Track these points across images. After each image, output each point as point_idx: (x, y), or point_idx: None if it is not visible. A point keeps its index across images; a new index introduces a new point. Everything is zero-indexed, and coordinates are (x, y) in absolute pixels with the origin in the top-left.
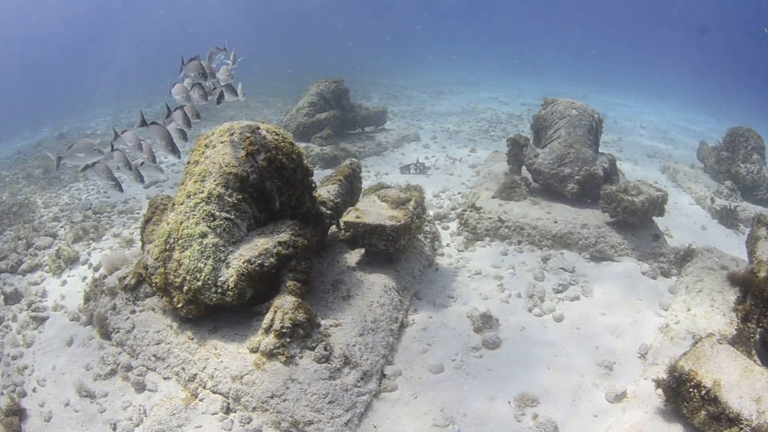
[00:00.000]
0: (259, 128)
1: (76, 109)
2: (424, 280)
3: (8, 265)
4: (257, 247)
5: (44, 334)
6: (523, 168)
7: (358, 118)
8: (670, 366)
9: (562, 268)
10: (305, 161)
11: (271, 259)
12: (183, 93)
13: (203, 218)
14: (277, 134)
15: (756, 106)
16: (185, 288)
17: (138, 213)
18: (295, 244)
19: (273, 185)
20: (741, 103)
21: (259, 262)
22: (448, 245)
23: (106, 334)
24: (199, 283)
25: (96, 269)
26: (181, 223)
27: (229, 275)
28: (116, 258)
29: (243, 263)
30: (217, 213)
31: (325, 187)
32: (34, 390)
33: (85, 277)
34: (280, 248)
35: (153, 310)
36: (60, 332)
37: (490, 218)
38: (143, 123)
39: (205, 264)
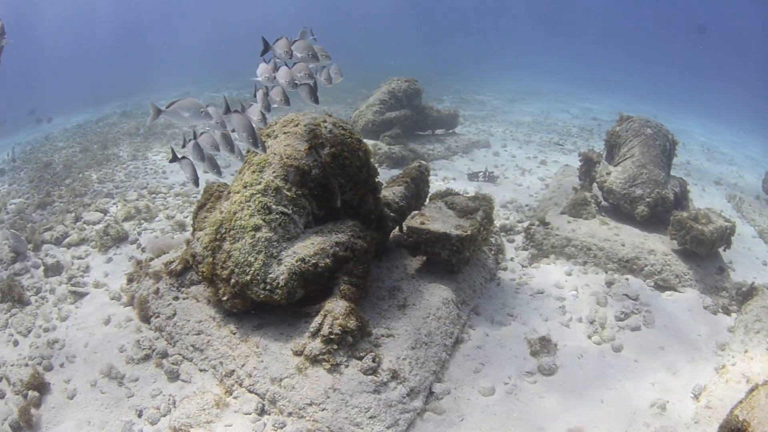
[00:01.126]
0: (325, 121)
1: (143, 90)
2: (485, 294)
3: (53, 236)
4: (313, 246)
5: (81, 310)
6: (594, 185)
7: (429, 120)
8: (726, 418)
9: (626, 295)
10: (371, 160)
11: (327, 260)
12: (267, 74)
13: (258, 210)
14: (343, 129)
15: None
16: (232, 281)
17: (195, 197)
18: (353, 246)
19: (336, 182)
20: None
21: (314, 261)
22: (512, 259)
23: (145, 318)
24: (248, 278)
25: (144, 250)
26: (235, 213)
27: (280, 273)
28: (162, 243)
29: (296, 261)
30: (274, 206)
31: (390, 188)
32: (61, 365)
33: (131, 257)
34: (337, 249)
35: (197, 299)
36: (98, 310)
37: (557, 235)
38: (227, 110)
39: (256, 258)
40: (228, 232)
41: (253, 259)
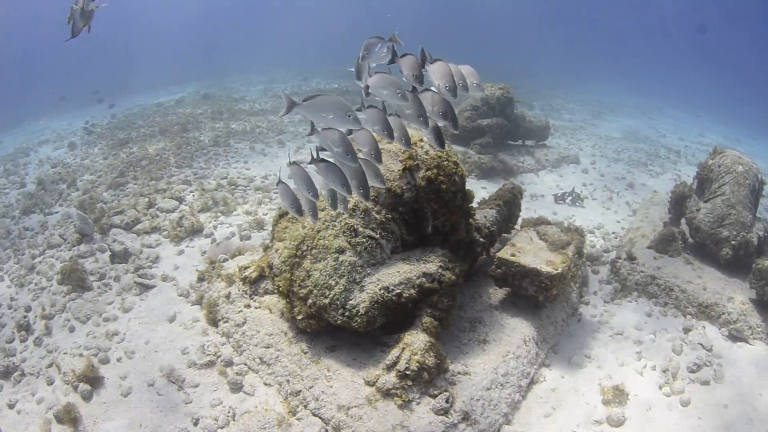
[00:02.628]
0: (422, 140)
1: (227, 71)
2: (565, 331)
3: (123, 221)
4: (399, 275)
5: (146, 302)
6: (683, 219)
7: (520, 130)
8: None
9: (701, 344)
10: (466, 182)
11: (412, 291)
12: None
13: (344, 232)
14: (441, 150)
15: None
16: (310, 301)
17: (276, 192)
18: (441, 278)
19: (429, 207)
20: None
21: (398, 291)
22: (595, 293)
23: (213, 321)
24: (326, 301)
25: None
26: (319, 231)
27: (361, 300)
28: (225, 249)
29: (379, 290)
30: (361, 229)
31: (482, 211)
32: (119, 359)
33: (204, 252)
34: (424, 280)
35: (270, 310)
36: (163, 305)
37: (642, 272)
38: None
39: (337, 282)
40: (310, 250)
41: (333, 283)
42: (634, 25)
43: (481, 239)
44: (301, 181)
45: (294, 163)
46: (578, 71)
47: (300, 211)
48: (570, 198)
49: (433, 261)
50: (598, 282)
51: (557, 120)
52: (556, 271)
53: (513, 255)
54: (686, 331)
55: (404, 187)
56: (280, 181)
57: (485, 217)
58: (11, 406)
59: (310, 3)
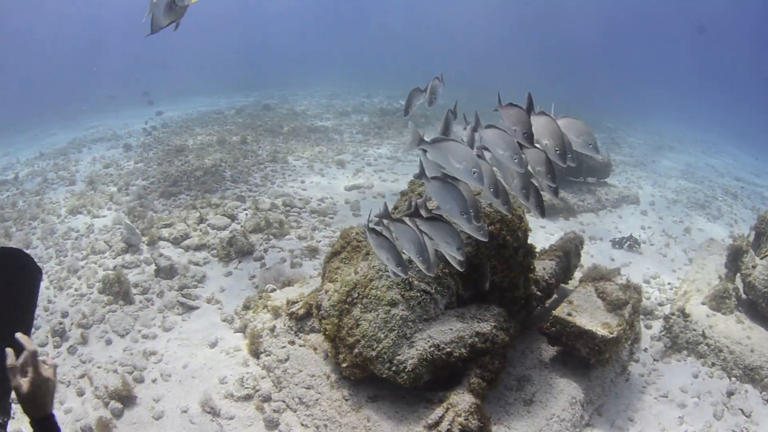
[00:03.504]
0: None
1: (292, 84)
2: (612, 391)
3: (171, 234)
4: (451, 333)
5: (188, 324)
6: (738, 275)
7: (583, 166)
8: None
9: (741, 410)
10: (529, 237)
11: (463, 350)
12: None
13: (397, 284)
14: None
15: None
16: (356, 351)
17: (332, 217)
18: (494, 339)
19: (488, 263)
20: None
21: (448, 350)
22: (645, 350)
23: (255, 353)
24: (373, 353)
25: (255, 285)
26: (371, 280)
27: (409, 356)
28: (275, 275)
29: (429, 347)
30: (416, 282)
31: (541, 262)
32: (154, 381)
33: (253, 276)
34: (476, 340)
35: (315, 349)
36: (206, 329)
37: (694, 330)
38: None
39: (386, 336)
40: (360, 298)
41: (383, 336)
42: (694, 63)
43: (539, 293)
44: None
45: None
46: (640, 103)
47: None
48: (627, 244)
49: (487, 320)
50: (650, 338)
51: (618, 154)
52: (611, 335)
53: (569, 314)
54: (729, 395)
55: (465, 241)
56: (371, 230)
57: (544, 269)
58: None
59: (380, 22)
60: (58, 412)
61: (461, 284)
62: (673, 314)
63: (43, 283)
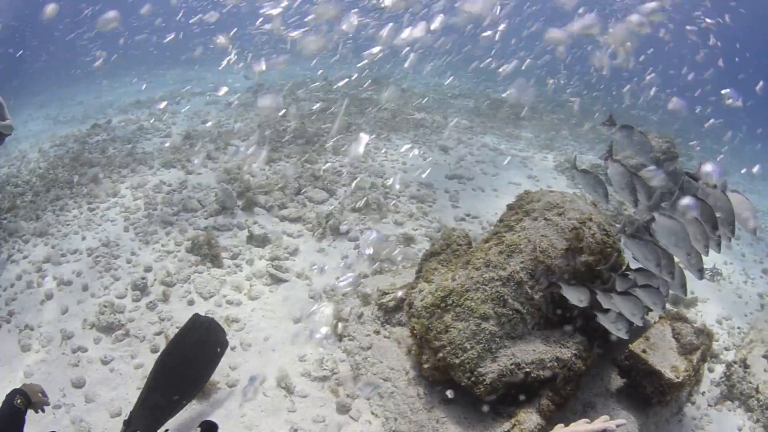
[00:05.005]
0: (591, 220)
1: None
2: (664, 430)
3: (267, 202)
4: (533, 354)
5: (274, 296)
6: None
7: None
8: None
9: None
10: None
11: (540, 372)
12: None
13: (493, 299)
14: (608, 235)
15: None
16: (440, 355)
17: (430, 205)
18: (572, 366)
19: None
20: None
21: (527, 370)
22: (703, 393)
23: (338, 335)
24: (457, 361)
25: (360, 252)
26: (468, 290)
27: (490, 371)
28: (378, 243)
29: (510, 365)
30: (510, 300)
31: None
32: (232, 348)
33: (345, 256)
34: (555, 364)
35: (398, 342)
36: (292, 304)
37: (750, 383)
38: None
39: (473, 347)
40: (454, 306)
41: (469, 347)
42: None
43: None
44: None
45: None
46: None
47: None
48: (709, 275)
49: (569, 347)
50: (710, 381)
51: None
52: (677, 380)
53: (644, 351)
54: None
55: (563, 268)
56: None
57: None
58: (105, 362)
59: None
60: (126, 365)
61: (551, 308)
62: (735, 362)
63: (128, 234)
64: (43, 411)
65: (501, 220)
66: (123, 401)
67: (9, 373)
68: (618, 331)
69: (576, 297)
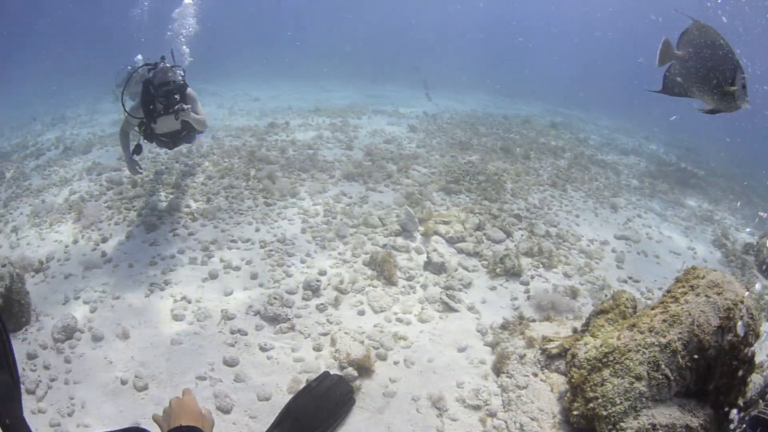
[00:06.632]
0: (743, 302)
1: (574, 104)
2: None
3: (447, 232)
4: (668, 418)
5: (443, 323)
6: None
7: None
8: None
9: None
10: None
11: None
12: None
13: (648, 362)
14: (752, 319)
15: None
16: (590, 405)
17: (597, 262)
18: None
19: (720, 370)
20: None
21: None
22: None
23: (497, 370)
24: (604, 413)
25: (515, 306)
26: (629, 351)
27: (629, 426)
28: (547, 300)
29: (648, 424)
30: (663, 366)
31: (756, 376)
32: (396, 363)
33: (514, 298)
34: (682, 430)
35: (552, 388)
36: (459, 333)
37: None
38: None
39: (621, 403)
40: (614, 363)
41: (618, 402)
42: None
43: (742, 403)
44: None
45: None
46: None
47: None
48: None
49: (699, 417)
50: None
51: None
52: None
53: None
54: None
55: (712, 344)
56: None
57: (754, 382)
58: (264, 349)
59: None
60: (285, 356)
61: (693, 379)
62: None
63: (305, 236)
64: None
65: (668, 291)
66: (275, 388)
67: (154, 336)
68: None
69: None
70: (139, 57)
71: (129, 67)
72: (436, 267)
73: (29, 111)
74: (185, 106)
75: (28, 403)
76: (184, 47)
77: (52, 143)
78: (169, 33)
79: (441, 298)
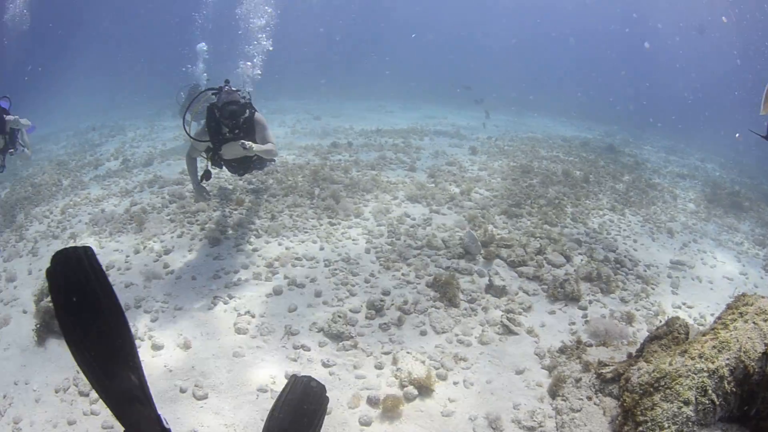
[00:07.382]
0: None
1: (631, 126)
2: None
3: (509, 256)
4: None
5: (503, 345)
6: None
7: None
8: None
9: None
10: None
11: None
12: None
13: (696, 387)
14: None
15: None
16: (640, 429)
17: (653, 287)
18: None
19: (762, 396)
20: None
21: None
22: None
23: (553, 393)
24: None
25: (573, 331)
26: (680, 376)
27: None
28: (603, 326)
29: None
30: (710, 392)
31: None
32: (455, 383)
33: (572, 323)
34: None
35: (604, 412)
36: (518, 356)
37: None
38: None
39: (669, 427)
40: (665, 388)
41: (666, 426)
42: None
43: None
44: None
45: None
46: None
47: None
48: None
49: None
50: None
51: None
52: None
53: None
54: None
55: (756, 370)
56: None
57: None
58: (326, 365)
59: None
60: (347, 373)
61: (737, 405)
62: None
63: (369, 256)
64: None
65: (719, 317)
66: (335, 402)
67: (217, 347)
68: None
69: None
70: (203, 46)
71: (193, 83)
72: (497, 290)
73: (86, 120)
74: (246, 144)
75: (81, 405)
76: (248, 63)
77: (111, 154)
78: (240, 66)
79: (501, 321)
